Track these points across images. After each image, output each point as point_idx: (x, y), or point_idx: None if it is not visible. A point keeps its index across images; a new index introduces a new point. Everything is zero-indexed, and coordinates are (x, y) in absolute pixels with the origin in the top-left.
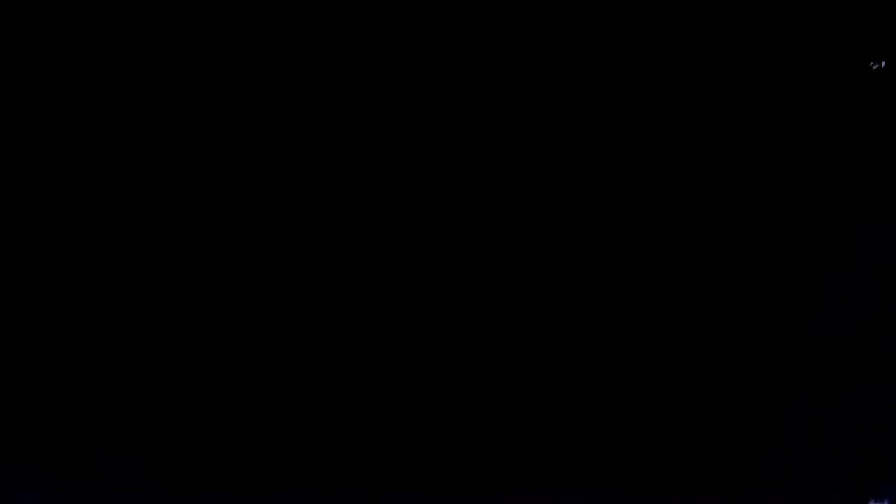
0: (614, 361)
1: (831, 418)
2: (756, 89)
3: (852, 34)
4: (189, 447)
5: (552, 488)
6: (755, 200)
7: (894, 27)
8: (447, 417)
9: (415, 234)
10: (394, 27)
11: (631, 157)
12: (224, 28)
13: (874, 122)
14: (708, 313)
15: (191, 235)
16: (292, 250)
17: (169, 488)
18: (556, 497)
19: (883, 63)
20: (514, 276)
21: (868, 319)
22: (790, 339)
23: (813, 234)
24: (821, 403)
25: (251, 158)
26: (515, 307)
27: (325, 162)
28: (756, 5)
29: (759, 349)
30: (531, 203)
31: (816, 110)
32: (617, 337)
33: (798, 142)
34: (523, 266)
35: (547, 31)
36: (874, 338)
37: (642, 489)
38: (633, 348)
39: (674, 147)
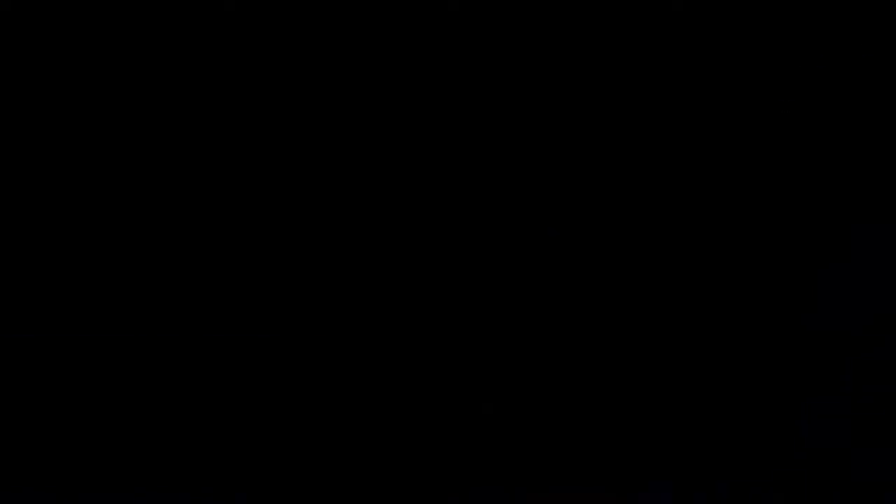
0: (615, 359)
1: (830, 417)
2: (756, 88)
3: (854, 32)
4: (191, 448)
5: (553, 486)
6: (757, 201)
7: (894, 27)
8: (448, 417)
9: (414, 235)
10: (393, 27)
11: (631, 156)
12: (224, 28)
13: (876, 121)
14: (708, 312)
15: (199, 241)
16: (294, 256)
17: (172, 489)
18: (555, 494)
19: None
20: (513, 278)
21: (869, 318)
22: (789, 338)
23: (813, 232)
24: (820, 402)
25: (249, 159)
26: (519, 309)
27: (324, 163)
28: (757, 4)
29: (758, 348)
30: (531, 204)
31: (817, 109)
32: (617, 335)
33: (799, 141)
34: (523, 268)
35: (547, 31)
36: (874, 337)
37: (643, 488)
38: (633, 346)
39: (674, 146)
